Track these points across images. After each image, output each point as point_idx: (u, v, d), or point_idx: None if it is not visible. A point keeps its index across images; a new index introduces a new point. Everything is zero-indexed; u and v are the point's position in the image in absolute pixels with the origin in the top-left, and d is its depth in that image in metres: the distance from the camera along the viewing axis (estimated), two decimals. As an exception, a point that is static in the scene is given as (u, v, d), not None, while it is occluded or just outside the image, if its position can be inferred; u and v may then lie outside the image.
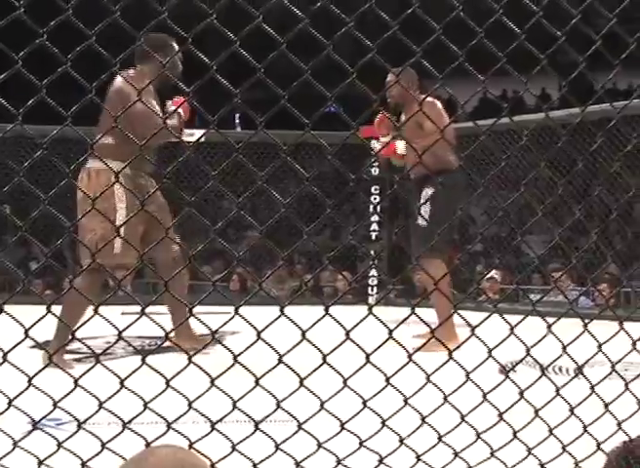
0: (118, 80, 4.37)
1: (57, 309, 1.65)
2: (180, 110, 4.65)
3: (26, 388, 1.65)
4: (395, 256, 9.52)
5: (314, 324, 1.81)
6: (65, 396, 1.69)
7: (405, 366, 1.91)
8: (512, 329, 2.06)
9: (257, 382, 1.78)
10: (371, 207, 9.25)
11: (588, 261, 7.93)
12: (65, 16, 1.61)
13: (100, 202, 3.89)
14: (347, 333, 1.82)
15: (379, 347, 1.87)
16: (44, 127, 4.58)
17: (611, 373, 2.19)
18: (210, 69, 1.75)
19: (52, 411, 1.71)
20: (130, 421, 1.74)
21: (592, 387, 2.17)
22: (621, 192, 7.44)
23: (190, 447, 1.66)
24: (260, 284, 1.93)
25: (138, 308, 1.74)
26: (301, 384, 1.82)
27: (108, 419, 1.82)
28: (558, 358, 2.16)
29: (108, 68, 1.65)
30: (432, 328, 2.05)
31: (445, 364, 1.95)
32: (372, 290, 8.98)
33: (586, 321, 2.13)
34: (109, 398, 1.71)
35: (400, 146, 5.26)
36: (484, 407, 2.02)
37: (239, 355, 1.77)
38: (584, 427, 2.14)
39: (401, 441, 1.94)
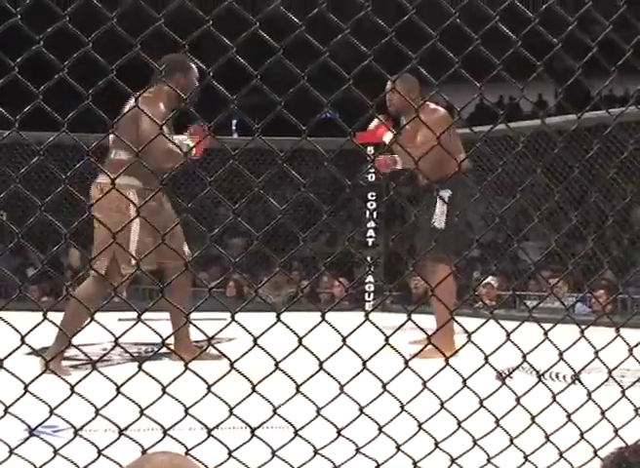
0: (133, 101, 4.38)
1: (53, 316, 1.65)
2: (192, 143, 4.65)
3: (23, 395, 1.65)
4: (392, 263, 9.52)
5: (311, 330, 1.80)
6: (62, 403, 1.69)
7: (401, 372, 1.90)
8: (509, 335, 2.06)
9: (253, 389, 1.78)
10: (367, 213, 9.26)
11: (585, 267, 7.95)
12: (62, 22, 1.61)
13: (117, 215, 4.09)
14: (344, 340, 1.82)
15: (375, 353, 1.87)
16: (40, 133, 4.60)
17: (607, 380, 2.19)
18: (206, 75, 1.75)
19: (48, 418, 1.70)
20: (126, 428, 1.73)
21: (589, 394, 2.17)
22: (618, 198, 7.46)
23: (187, 453, 1.65)
24: (256, 290, 1.93)
25: (134, 315, 1.74)
26: (298, 390, 1.82)
27: (105, 426, 1.81)
28: (555, 364, 2.16)
29: (105, 75, 1.65)
30: (429, 334, 2.05)
31: (441, 370, 1.95)
32: (368, 296, 8.99)
33: (583, 327, 2.13)
34: (106, 405, 1.71)
35: (387, 137, 5.26)
36: (481, 413, 2.01)
37: (235, 361, 1.77)
38: (581, 434, 2.14)
39: (398, 447, 1.94)
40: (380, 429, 1.91)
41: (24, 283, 7.90)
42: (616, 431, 2.15)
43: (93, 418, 1.72)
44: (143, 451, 1.63)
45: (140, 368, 1.73)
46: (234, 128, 17.54)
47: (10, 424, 1.74)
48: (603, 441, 2.09)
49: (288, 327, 1.77)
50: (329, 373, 1.81)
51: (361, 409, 1.89)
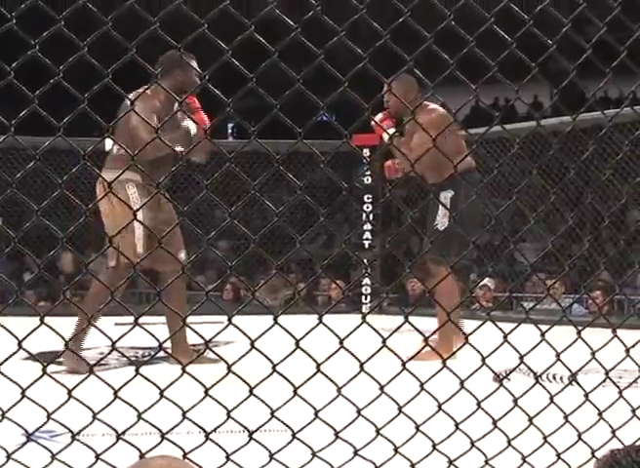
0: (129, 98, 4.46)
1: (50, 320, 1.65)
2: (192, 124, 4.73)
3: (20, 400, 1.64)
4: (388, 265, 9.53)
5: (308, 333, 1.80)
6: (59, 407, 1.69)
7: (399, 374, 1.91)
8: (506, 336, 2.06)
9: (251, 392, 1.78)
10: (363, 215, 9.27)
11: (581, 269, 7.95)
12: (57, 27, 1.61)
13: (120, 210, 4.33)
14: (341, 342, 1.82)
15: (372, 356, 1.87)
16: (36, 138, 4.60)
17: (605, 381, 2.19)
18: (202, 79, 1.76)
19: (45, 423, 1.70)
20: (124, 432, 1.73)
21: (586, 395, 2.17)
22: (614, 199, 7.47)
23: (185, 457, 1.65)
24: (253, 293, 1.93)
25: (131, 319, 1.74)
26: (295, 393, 1.82)
27: (102, 430, 1.81)
28: (552, 365, 2.16)
29: (101, 79, 1.65)
30: (426, 336, 2.05)
31: (439, 372, 1.95)
32: (365, 298, 8.99)
33: (580, 328, 2.13)
34: (103, 409, 1.70)
35: (386, 136, 5.24)
36: (478, 415, 2.01)
37: (233, 364, 1.77)
38: (579, 435, 2.14)
39: (395, 449, 1.94)
40: (378, 431, 1.91)
41: (21, 288, 7.89)
42: (613, 432, 2.15)
43: (90, 423, 1.72)
44: (141, 456, 1.63)
45: (137, 371, 1.73)
46: (230, 131, 17.55)
47: (7, 429, 1.74)
48: (601, 442, 2.09)
49: (285, 329, 1.77)
50: (326, 376, 1.81)
51: (359, 412, 1.89)
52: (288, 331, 1.77)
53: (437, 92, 2.00)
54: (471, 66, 2.01)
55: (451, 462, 2.00)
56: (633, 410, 2.23)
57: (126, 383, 1.71)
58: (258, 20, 1.75)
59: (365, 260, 8.82)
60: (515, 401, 2.07)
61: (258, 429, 1.83)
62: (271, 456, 1.82)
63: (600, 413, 2.16)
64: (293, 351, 1.77)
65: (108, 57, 1.63)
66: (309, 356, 1.79)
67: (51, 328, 1.65)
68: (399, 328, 1.94)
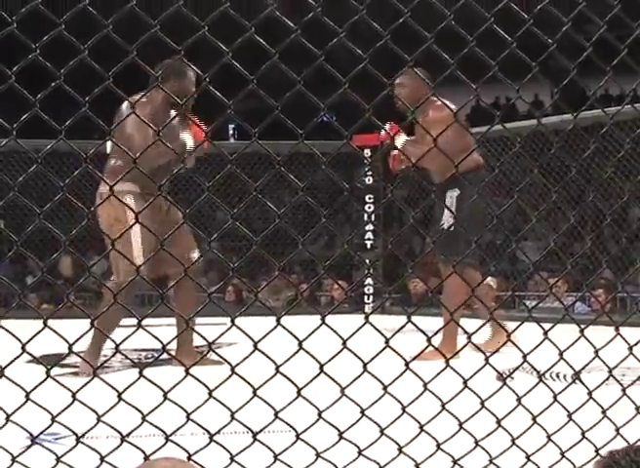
0: (124, 106, 4.53)
1: (53, 323, 1.65)
2: (189, 137, 4.75)
3: (24, 403, 1.65)
4: (390, 265, 9.53)
5: (311, 333, 1.81)
6: (63, 410, 1.69)
7: (402, 374, 1.91)
8: (509, 335, 2.07)
9: (254, 393, 1.78)
10: (365, 215, 9.28)
11: (584, 267, 7.95)
12: (58, 30, 1.61)
13: (116, 224, 4.33)
14: (344, 343, 1.82)
15: (375, 356, 1.87)
16: (38, 141, 4.61)
17: (608, 379, 2.19)
18: (203, 81, 1.76)
19: (50, 426, 1.70)
20: (128, 434, 1.73)
21: (590, 393, 2.17)
22: (615, 197, 7.46)
23: (189, 458, 1.65)
24: (255, 294, 1.93)
25: (134, 321, 1.74)
26: (299, 394, 1.82)
27: (107, 433, 1.81)
28: (555, 364, 2.16)
29: (102, 82, 1.65)
30: (429, 336, 2.05)
31: (442, 371, 1.95)
32: (368, 298, 9.00)
33: (583, 326, 2.13)
34: (107, 411, 1.71)
35: (400, 140, 5.19)
36: (482, 414, 2.02)
37: (236, 366, 1.77)
38: (583, 433, 2.14)
39: (400, 449, 1.94)
40: (382, 431, 1.91)
41: (24, 291, 7.89)
42: (617, 430, 2.15)
43: (94, 425, 1.72)
44: (146, 458, 1.63)
45: (140, 374, 1.73)
46: (231, 132, 17.55)
47: (12, 432, 1.74)
48: (604, 440, 2.09)
49: (288, 330, 1.77)
50: (330, 377, 1.81)
51: (362, 412, 1.89)
52: (291, 332, 1.77)
53: (438, 91, 2.00)
54: (472, 66, 2.01)
55: (455, 462, 2.00)
56: (637, 408, 2.23)
57: (130, 385, 1.72)
58: (258, 22, 1.76)
59: (367, 261, 8.82)
60: (519, 400, 2.07)
61: (262, 430, 1.83)
62: (275, 457, 1.82)
63: (604, 411, 2.16)
64: (296, 352, 1.77)
65: (109, 59, 1.64)
66: (312, 357, 1.80)
67: (54, 330, 1.65)
68: (402, 328, 1.94)
